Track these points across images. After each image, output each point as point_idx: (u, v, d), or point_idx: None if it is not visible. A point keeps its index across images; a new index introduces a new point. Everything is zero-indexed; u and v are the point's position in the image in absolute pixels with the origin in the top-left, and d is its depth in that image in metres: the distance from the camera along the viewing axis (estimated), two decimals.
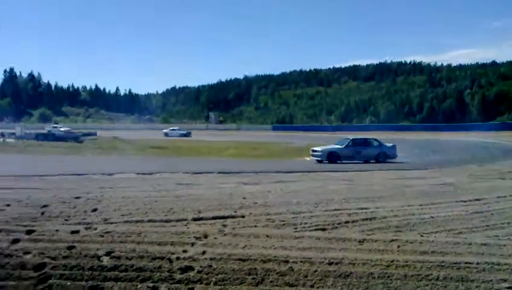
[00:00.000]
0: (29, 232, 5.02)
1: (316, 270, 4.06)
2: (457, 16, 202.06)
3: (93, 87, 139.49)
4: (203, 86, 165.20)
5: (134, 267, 4.03)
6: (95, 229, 5.30)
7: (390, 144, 20.41)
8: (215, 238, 5.06)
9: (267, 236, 5.20)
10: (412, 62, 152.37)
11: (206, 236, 5.11)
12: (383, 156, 19.34)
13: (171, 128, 57.56)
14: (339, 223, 5.93)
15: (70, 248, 4.48)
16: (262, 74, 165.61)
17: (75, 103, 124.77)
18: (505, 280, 3.86)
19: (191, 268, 4.07)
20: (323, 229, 5.61)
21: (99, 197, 7.54)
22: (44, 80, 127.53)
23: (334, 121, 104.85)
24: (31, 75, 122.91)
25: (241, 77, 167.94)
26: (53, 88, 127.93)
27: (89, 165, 15.94)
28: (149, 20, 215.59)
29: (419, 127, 67.77)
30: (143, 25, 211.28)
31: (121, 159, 20.64)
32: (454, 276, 3.94)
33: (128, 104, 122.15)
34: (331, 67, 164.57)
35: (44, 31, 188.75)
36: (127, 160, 19.68)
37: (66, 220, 5.76)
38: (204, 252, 4.49)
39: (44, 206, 6.52)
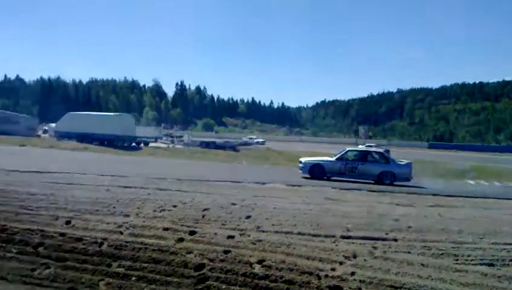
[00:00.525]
0: (192, 233, 5.53)
1: None
2: None
3: (250, 100, 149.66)
4: (353, 100, 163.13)
5: (284, 279, 4.11)
6: (249, 236, 5.57)
7: (404, 162, 16.33)
8: (364, 259, 4.86)
9: (423, 265, 4.79)
10: None
11: (355, 256, 4.95)
12: (389, 176, 15.33)
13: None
14: (510, 260, 5.15)
15: (226, 252, 4.79)
16: (418, 87, 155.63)
17: (233, 114, 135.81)
18: None
19: (340, 288, 3.97)
20: (491, 265, 4.94)
21: (252, 205, 7.91)
22: (209, 92, 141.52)
23: (503, 140, 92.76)
24: (198, 88, 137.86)
25: (394, 90, 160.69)
26: (215, 100, 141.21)
27: (244, 173, 16.98)
28: (301, 35, 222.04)
29: None
30: (296, 40, 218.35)
31: (272, 169, 21.51)
32: None
33: (281, 117, 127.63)
34: (501, 80, 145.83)
35: (211, 48, 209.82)
36: (278, 170, 20.39)
37: (223, 224, 6.19)
38: (353, 273, 4.34)
39: (205, 209, 7.12)
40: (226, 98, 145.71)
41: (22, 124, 38.95)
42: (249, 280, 4.06)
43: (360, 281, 4.15)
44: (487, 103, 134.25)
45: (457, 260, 5.09)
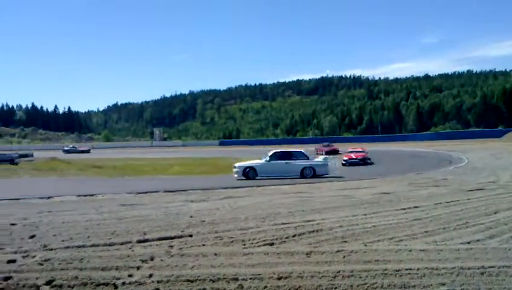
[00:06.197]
0: None
1: (265, 286, 4.07)
2: (393, 32, 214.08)
3: (30, 105, 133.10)
4: (147, 102, 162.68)
5: None
6: (34, 257, 5.01)
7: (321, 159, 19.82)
8: (161, 260, 4.94)
9: (216, 254, 5.14)
10: (352, 76, 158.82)
11: (152, 258, 4.97)
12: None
13: None
14: (286, 237, 5.99)
15: (6, 278, 4.20)
16: (208, 89, 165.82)
17: (10, 122, 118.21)
18: (443, 284, 4.06)
19: None
20: (272, 244, 5.65)
21: (37, 222, 7.13)
22: None
23: (280, 134, 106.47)
24: None
25: (186, 92, 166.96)
26: None
27: (26, 188, 15.05)
28: (86, 33, 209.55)
29: (362, 139, 70.27)
30: (81, 39, 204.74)
31: (60, 180, 19.66)
32: (398, 283, 4.10)
33: (68, 123, 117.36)
34: (276, 82, 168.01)
35: None
36: (67, 181, 18.77)
37: (0, 248, 5.39)
38: (151, 275, 4.36)
39: None
40: None
41: None
42: None
43: (158, 281, 4.20)
44: (266, 102, 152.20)
45: (244, 244, 5.64)
